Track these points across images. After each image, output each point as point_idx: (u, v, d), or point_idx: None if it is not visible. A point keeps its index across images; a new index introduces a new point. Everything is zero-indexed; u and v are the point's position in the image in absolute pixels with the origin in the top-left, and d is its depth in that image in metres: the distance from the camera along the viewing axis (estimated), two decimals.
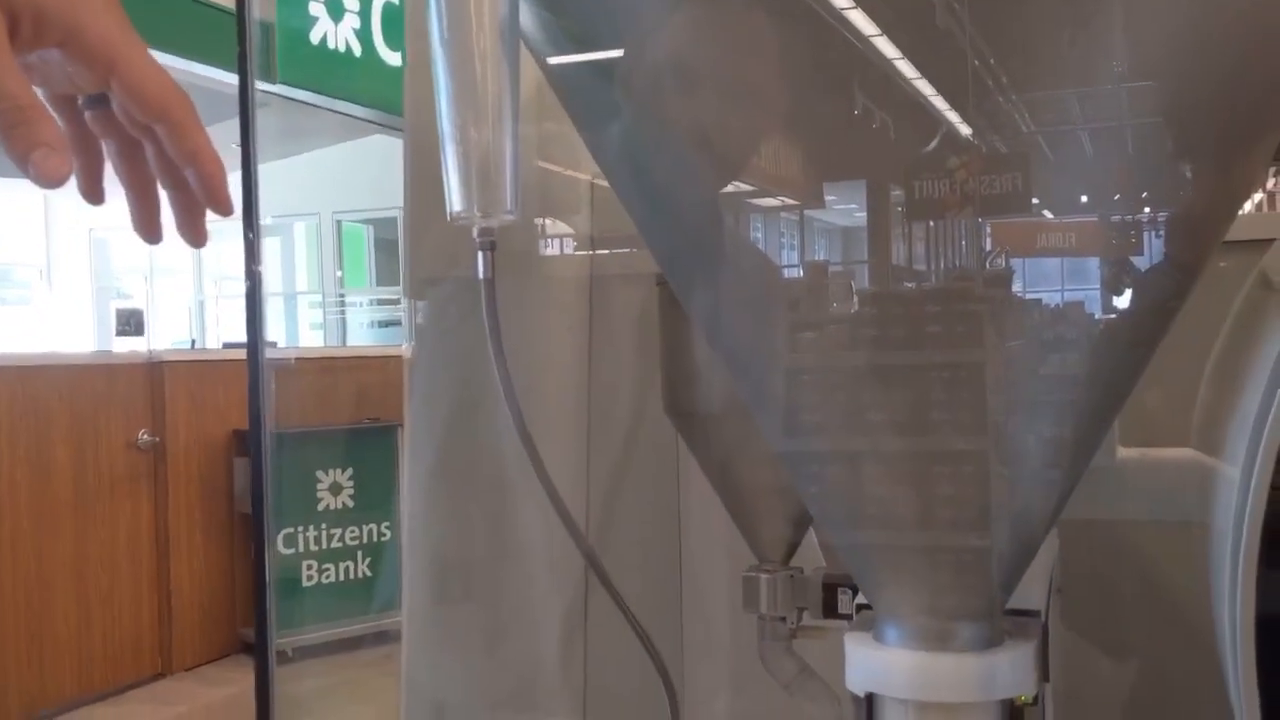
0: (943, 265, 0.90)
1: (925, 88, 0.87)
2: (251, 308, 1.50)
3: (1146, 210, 0.85)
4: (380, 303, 12.37)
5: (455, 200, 0.86)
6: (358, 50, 5.66)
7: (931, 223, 0.88)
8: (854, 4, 0.84)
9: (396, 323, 11.71)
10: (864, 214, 0.92)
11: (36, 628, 4.79)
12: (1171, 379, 1.00)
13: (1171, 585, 1.29)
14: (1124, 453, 1.15)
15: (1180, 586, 1.27)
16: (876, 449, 0.84)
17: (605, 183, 1.54)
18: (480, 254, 0.88)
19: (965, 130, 0.84)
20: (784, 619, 1.17)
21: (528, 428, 0.95)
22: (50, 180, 0.66)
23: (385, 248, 12.16)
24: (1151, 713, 1.32)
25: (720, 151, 0.91)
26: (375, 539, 5.92)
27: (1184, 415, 1.20)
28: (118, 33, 0.72)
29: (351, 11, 5.62)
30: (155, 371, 5.07)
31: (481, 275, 0.88)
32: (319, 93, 5.22)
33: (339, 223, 11.94)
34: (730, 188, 0.90)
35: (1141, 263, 0.84)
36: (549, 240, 1.60)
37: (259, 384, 1.34)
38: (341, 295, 12.26)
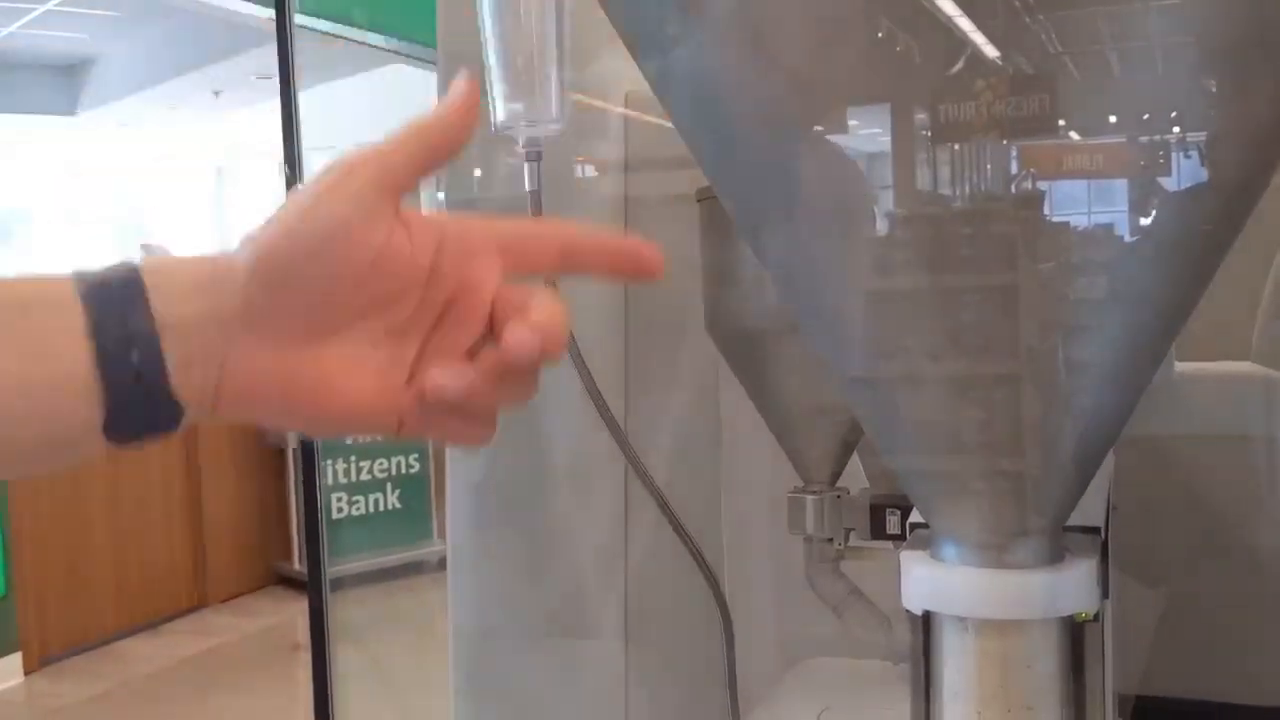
0: (996, 186, 0.87)
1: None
2: None
3: (1207, 129, 0.82)
4: None
5: (499, 111, 0.83)
6: None
7: (984, 142, 0.85)
8: None
9: None
10: (888, 136, 0.89)
11: (75, 563, 4.85)
12: (1229, 293, 0.97)
13: (1229, 500, 1.28)
14: (1181, 367, 1.13)
15: (1238, 502, 1.25)
16: (937, 370, 0.81)
17: (638, 114, 1.51)
18: (526, 165, 0.85)
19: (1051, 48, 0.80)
20: (831, 540, 1.16)
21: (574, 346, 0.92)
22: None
23: None
24: (1206, 628, 1.31)
25: (772, 70, 0.89)
26: (404, 470, 5.95)
27: (1243, 329, 1.17)
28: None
29: None
30: None
31: (528, 187, 0.86)
32: (337, 22, 5.15)
33: None
34: (786, 112, 0.87)
35: (1202, 181, 0.81)
36: (582, 164, 1.57)
37: None
38: None
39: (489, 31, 0.84)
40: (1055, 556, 0.86)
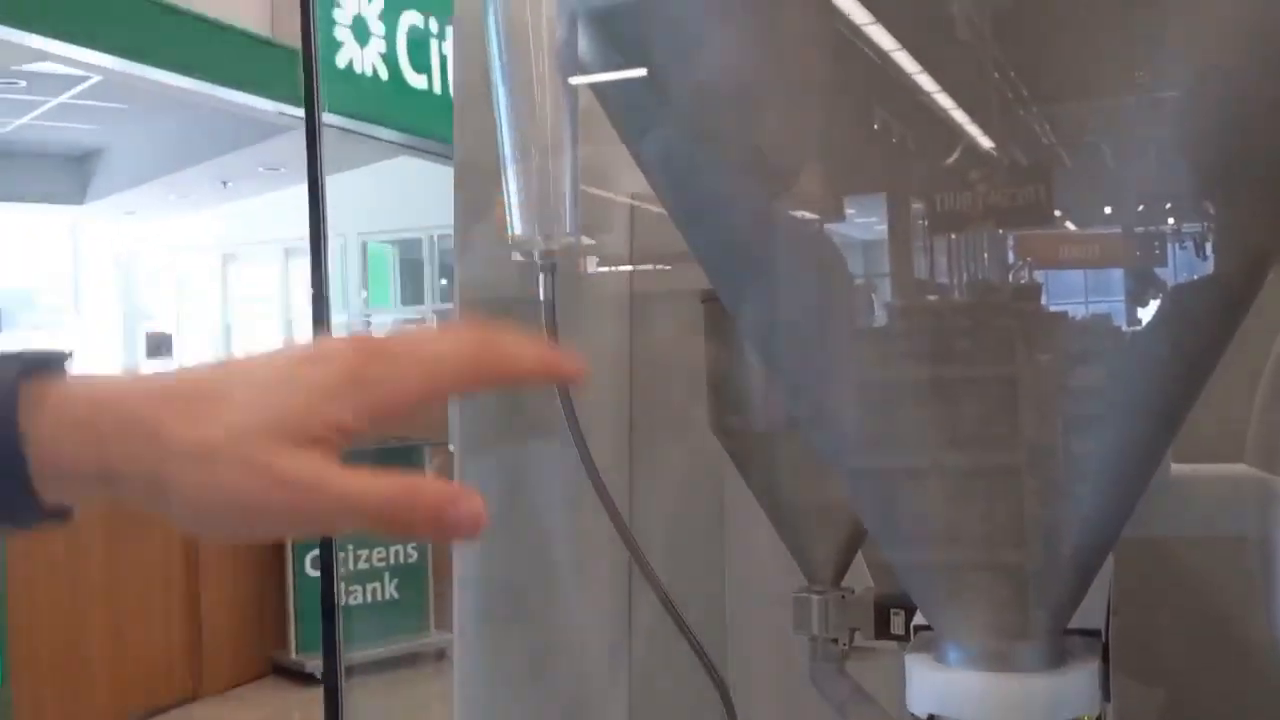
0: (996, 278, 0.89)
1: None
2: (317, 330, 1.51)
3: (1205, 222, 0.84)
4: (405, 322, 12.43)
5: (517, 224, 0.87)
6: (384, 74, 5.69)
7: (983, 234, 0.87)
8: (874, 19, 0.84)
9: None
10: (885, 226, 0.91)
11: (72, 652, 4.81)
12: (1223, 393, 0.99)
13: (1226, 603, 1.28)
14: (1177, 469, 1.14)
15: (1235, 605, 1.26)
16: (938, 465, 0.83)
17: (643, 205, 1.54)
18: (541, 276, 0.88)
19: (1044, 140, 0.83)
20: (836, 640, 1.16)
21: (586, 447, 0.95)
22: (479, 524, 0.59)
23: (410, 268, 12.24)
24: None
25: (764, 166, 0.92)
26: (403, 560, 5.90)
27: (1237, 430, 1.19)
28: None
29: (377, 36, 5.66)
30: None
31: (542, 297, 0.89)
32: (348, 117, 5.26)
33: (364, 244, 12.02)
34: (783, 205, 0.90)
35: (1199, 274, 0.83)
36: (588, 259, 1.60)
37: None
38: (367, 316, 12.32)
39: (506, 149, 0.88)
40: (1057, 660, 0.87)
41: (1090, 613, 0.92)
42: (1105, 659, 0.91)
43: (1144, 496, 0.87)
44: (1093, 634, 0.92)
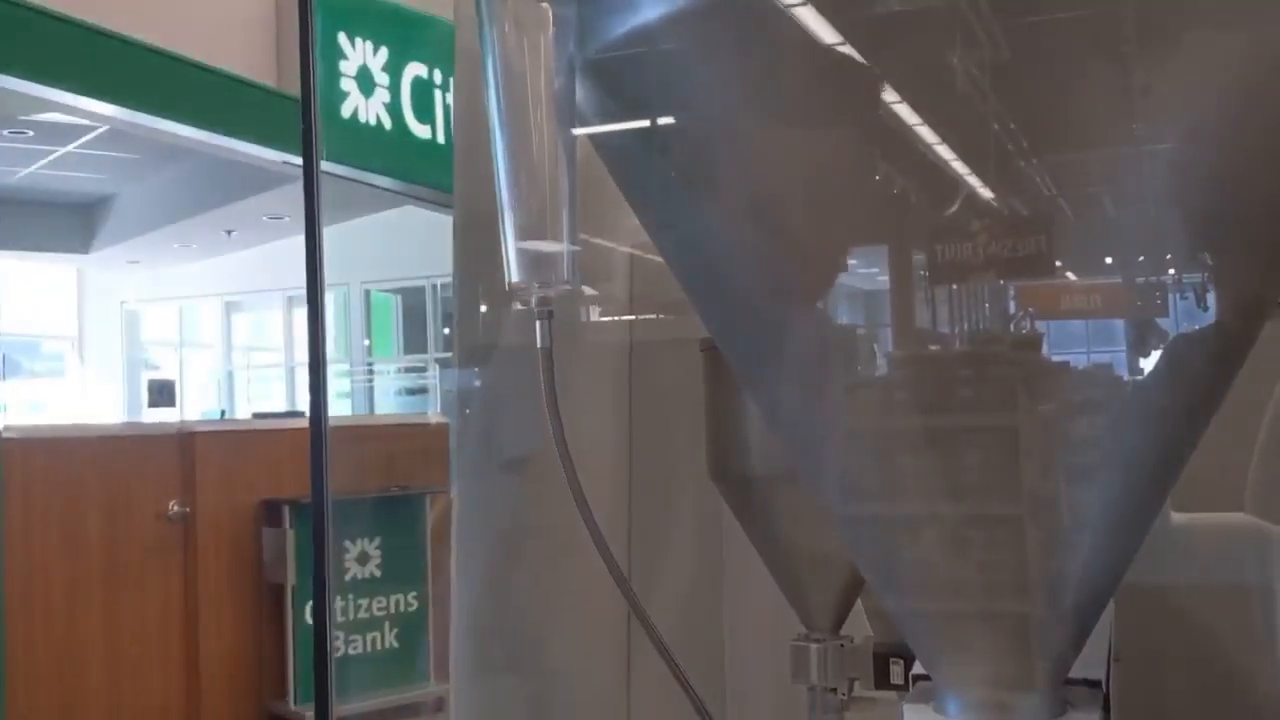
0: (996, 329, 0.89)
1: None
2: (315, 380, 1.51)
3: (1203, 272, 0.85)
4: (407, 370, 12.43)
5: (514, 271, 0.87)
6: (388, 124, 5.73)
7: (983, 285, 0.88)
8: (876, 72, 0.85)
9: (423, 390, 11.75)
10: (886, 277, 0.92)
11: (68, 698, 4.77)
12: (1221, 444, 0.99)
13: (1227, 651, 1.27)
14: (1177, 518, 1.14)
15: (1236, 653, 1.25)
16: (938, 514, 0.83)
17: (642, 253, 1.55)
18: (538, 323, 0.89)
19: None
20: (834, 690, 1.15)
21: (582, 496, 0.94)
22: None
23: (413, 316, 12.24)
24: None
25: (761, 217, 0.92)
26: (403, 609, 5.84)
27: (1236, 480, 1.19)
28: None
29: (382, 86, 5.71)
30: (185, 442, 5.07)
31: (540, 344, 0.89)
32: (351, 166, 5.29)
33: (368, 292, 12.05)
34: (783, 256, 0.90)
35: (1200, 324, 0.83)
36: (589, 308, 1.61)
37: (322, 455, 1.34)
38: (369, 364, 12.32)
39: (504, 197, 0.89)
40: (1058, 710, 0.86)
41: (1091, 662, 0.92)
42: (1106, 709, 0.90)
43: (1144, 545, 0.87)
44: (1094, 684, 0.91)
